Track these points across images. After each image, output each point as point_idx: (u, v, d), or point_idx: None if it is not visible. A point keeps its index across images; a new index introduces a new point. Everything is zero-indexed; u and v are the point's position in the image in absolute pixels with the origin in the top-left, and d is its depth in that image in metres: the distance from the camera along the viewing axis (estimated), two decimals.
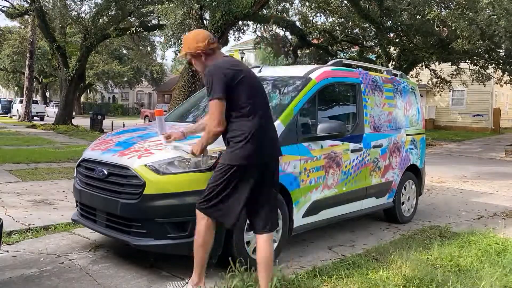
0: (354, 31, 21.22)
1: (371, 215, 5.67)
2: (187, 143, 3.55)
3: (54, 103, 36.36)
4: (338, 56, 21.06)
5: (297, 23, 19.94)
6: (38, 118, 29.28)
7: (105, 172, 3.68)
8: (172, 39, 11.17)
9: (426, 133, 6.69)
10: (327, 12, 19.26)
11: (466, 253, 4.23)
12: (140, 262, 3.81)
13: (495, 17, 13.62)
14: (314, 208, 4.29)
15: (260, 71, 5.16)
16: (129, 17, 19.84)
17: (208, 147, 3.39)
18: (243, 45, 35.45)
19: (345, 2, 17.60)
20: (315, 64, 18.04)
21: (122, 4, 17.15)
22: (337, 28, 21.00)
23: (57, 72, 26.51)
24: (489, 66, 20.82)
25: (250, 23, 17.74)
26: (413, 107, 6.14)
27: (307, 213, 4.24)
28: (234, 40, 17.65)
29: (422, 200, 6.88)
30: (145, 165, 3.48)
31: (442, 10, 15.75)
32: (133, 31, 16.68)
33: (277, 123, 4.00)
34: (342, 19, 19.86)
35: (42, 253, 3.95)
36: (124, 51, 36.97)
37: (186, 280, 3.27)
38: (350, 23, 20.21)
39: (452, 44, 17.24)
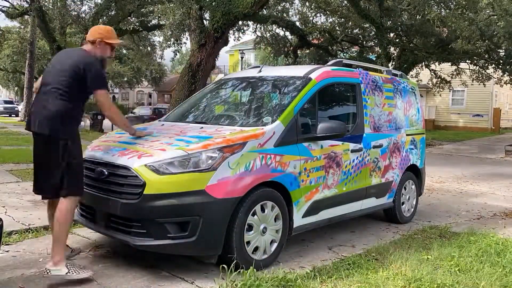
0: (354, 31, 21.20)
1: (371, 215, 5.67)
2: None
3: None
4: (338, 56, 21.05)
5: (297, 23, 19.93)
6: None
7: (105, 172, 3.68)
8: (171, 39, 11.18)
9: (426, 133, 6.69)
10: (327, 12, 19.25)
11: (466, 253, 4.23)
12: (140, 262, 3.81)
13: (495, 17, 13.64)
14: (314, 208, 4.29)
15: (260, 71, 5.17)
16: (129, 17, 19.82)
17: (208, 146, 3.48)
18: (243, 45, 35.46)
19: (345, 2, 17.60)
20: (315, 64, 18.03)
21: (122, 4, 17.11)
22: (337, 28, 20.98)
23: None
24: (489, 66, 20.81)
25: (250, 23, 17.72)
26: (413, 107, 6.14)
27: (307, 213, 4.24)
28: (234, 40, 17.62)
29: (422, 200, 6.88)
30: (145, 165, 3.48)
31: (442, 10, 15.75)
32: (131, 29, 16.66)
33: (277, 123, 4.01)
34: (342, 19, 19.85)
35: (42, 253, 3.95)
36: (124, 51, 36.94)
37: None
38: (350, 23, 20.19)
39: (452, 44, 17.24)
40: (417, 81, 21.43)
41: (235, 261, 3.53)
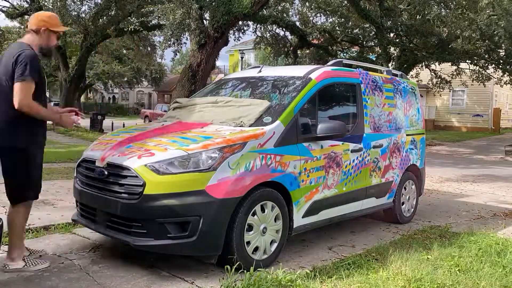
0: (354, 31, 21.20)
1: (371, 215, 5.67)
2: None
3: (53, 104, 36.55)
4: (338, 56, 21.04)
5: (297, 23, 19.92)
6: None
7: (105, 172, 3.68)
8: (171, 39, 11.15)
9: (426, 133, 6.69)
10: (327, 12, 19.25)
11: (466, 253, 4.23)
12: (140, 262, 3.81)
13: (495, 17, 13.64)
14: (314, 208, 4.29)
15: (260, 71, 5.17)
16: (129, 17, 19.82)
17: (208, 147, 3.47)
18: (243, 45, 35.49)
19: (345, 2, 17.60)
20: (315, 64, 18.03)
21: (122, 4, 17.11)
22: (337, 28, 20.98)
23: (57, 72, 26.52)
24: (489, 66, 20.81)
25: (250, 23, 17.71)
26: (413, 107, 6.14)
27: (307, 213, 4.23)
28: (234, 40, 17.59)
29: (422, 200, 6.88)
30: (145, 165, 3.48)
31: (442, 10, 15.75)
32: (131, 29, 16.67)
33: (277, 123, 4.01)
34: (342, 19, 19.85)
35: (42, 253, 3.95)
36: (124, 51, 36.96)
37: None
38: (350, 23, 20.20)
39: (452, 44, 17.24)
40: (417, 81, 21.44)
41: (235, 261, 3.53)
